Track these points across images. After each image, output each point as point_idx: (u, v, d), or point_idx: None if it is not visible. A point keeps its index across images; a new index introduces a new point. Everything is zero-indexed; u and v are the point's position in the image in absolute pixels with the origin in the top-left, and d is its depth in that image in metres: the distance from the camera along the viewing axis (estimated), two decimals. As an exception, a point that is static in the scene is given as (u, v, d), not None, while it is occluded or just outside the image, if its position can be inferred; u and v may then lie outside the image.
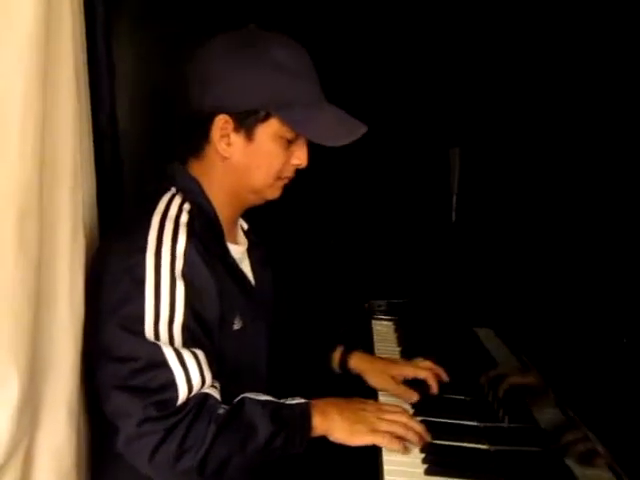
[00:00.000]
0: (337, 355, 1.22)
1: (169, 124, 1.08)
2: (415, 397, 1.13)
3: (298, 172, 1.05)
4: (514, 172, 1.47)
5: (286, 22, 1.17)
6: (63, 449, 0.79)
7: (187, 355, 0.86)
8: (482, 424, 1.08)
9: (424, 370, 1.19)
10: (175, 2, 1.52)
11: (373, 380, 1.18)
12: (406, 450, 0.96)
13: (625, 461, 0.68)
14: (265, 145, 0.98)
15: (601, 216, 1.04)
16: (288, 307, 1.30)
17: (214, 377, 0.90)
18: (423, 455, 0.97)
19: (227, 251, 1.03)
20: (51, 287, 0.75)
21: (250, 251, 1.12)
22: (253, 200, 1.06)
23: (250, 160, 0.99)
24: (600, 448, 0.71)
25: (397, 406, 1.05)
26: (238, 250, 1.08)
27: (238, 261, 1.06)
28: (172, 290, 0.88)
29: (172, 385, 0.84)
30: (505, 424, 1.02)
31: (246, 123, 0.97)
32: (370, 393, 1.17)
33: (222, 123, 0.96)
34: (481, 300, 1.36)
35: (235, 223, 1.11)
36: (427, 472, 0.93)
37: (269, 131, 0.97)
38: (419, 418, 1.07)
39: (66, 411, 0.79)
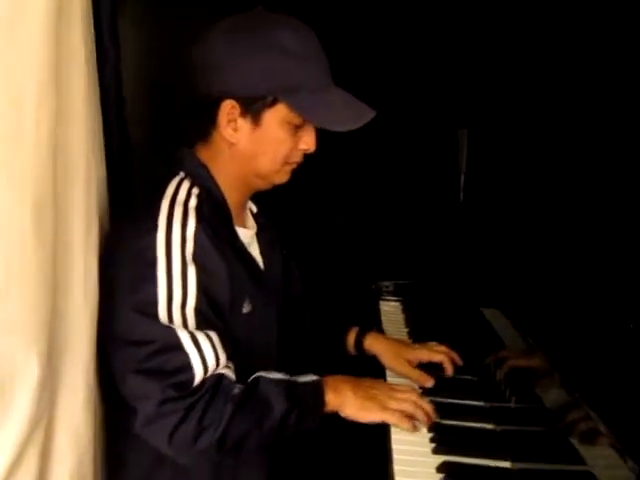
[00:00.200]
0: (352, 336, 1.23)
1: (176, 107, 1.09)
2: (430, 383, 1.13)
3: (308, 154, 1.04)
4: (522, 153, 1.47)
5: (294, 3, 1.16)
6: (80, 427, 0.81)
7: (201, 337, 0.88)
8: (488, 404, 1.10)
9: (439, 354, 1.19)
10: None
11: (388, 362, 1.19)
12: (415, 428, 0.98)
13: (627, 441, 0.70)
14: (272, 131, 0.98)
15: (611, 200, 1.04)
16: (300, 284, 1.31)
17: (228, 358, 0.91)
18: (431, 435, 0.99)
19: (236, 235, 1.03)
20: (67, 274, 0.76)
21: (259, 234, 1.13)
22: (261, 185, 1.06)
23: (257, 146, 0.99)
24: (603, 429, 0.73)
25: (407, 386, 1.07)
26: (247, 234, 1.08)
27: (247, 245, 1.06)
28: (184, 273, 0.89)
29: (188, 367, 0.86)
30: (511, 404, 1.04)
31: (253, 108, 0.96)
32: (379, 374, 1.19)
33: (229, 108, 0.96)
34: (488, 280, 1.37)
35: (244, 207, 1.12)
36: (434, 451, 0.96)
37: (276, 116, 0.97)
38: (427, 398, 1.09)
39: (83, 392, 0.81)
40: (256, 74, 0.95)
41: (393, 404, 0.98)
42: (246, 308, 1.01)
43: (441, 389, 1.14)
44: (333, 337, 1.25)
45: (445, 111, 1.72)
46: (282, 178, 1.04)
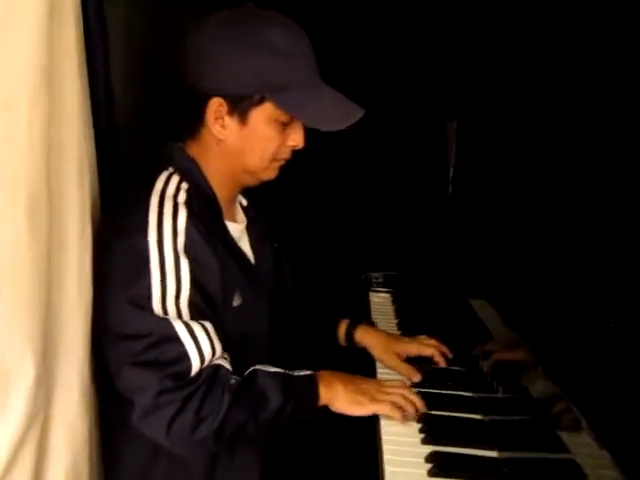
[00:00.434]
0: (343, 328, 1.25)
1: (165, 100, 1.09)
2: (417, 377, 1.14)
3: (296, 150, 1.04)
4: (511, 145, 1.48)
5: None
6: (76, 424, 0.83)
7: (196, 327, 0.89)
8: (476, 395, 1.12)
9: (429, 348, 1.21)
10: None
11: (378, 354, 1.21)
12: (405, 419, 1.00)
13: (604, 432, 0.72)
14: (260, 129, 0.98)
15: (597, 200, 1.05)
16: (291, 280, 1.32)
17: (224, 348, 0.93)
18: (420, 425, 1.01)
19: (226, 230, 1.04)
20: (62, 272, 0.77)
21: (249, 228, 1.13)
22: (249, 181, 1.06)
23: (245, 143, 0.99)
24: (583, 422, 0.76)
25: (397, 381, 1.09)
26: (237, 228, 1.09)
27: (237, 239, 1.07)
28: (177, 266, 0.90)
29: (185, 357, 0.87)
30: (499, 395, 1.06)
31: (240, 107, 0.96)
32: (368, 366, 1.21)
33: (216, 106, 0.96)
34: (477, 272, 1.39)
35: (233, 201, 1.12)
36: (423, 441, 0.97)
37: (264, 114, 0.97)
38: (415, 389, 1.11)
39: (78, 388, 0.82)
40: (244, 73, 0.95)
41: (382, 396, 1.00)
42: (236, 301, 1.01)
43: (430, 380, 1.16)
44: (324, 329, 1.27)
45: (434, 104, 1.72)
46: (270, 174, 1.05)
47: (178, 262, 0.90)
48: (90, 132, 0.84)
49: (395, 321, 1.46)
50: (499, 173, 1.49)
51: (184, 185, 0.98)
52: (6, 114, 0.64)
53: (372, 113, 1.07)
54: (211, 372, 0.89)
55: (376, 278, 1.63)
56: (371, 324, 1.31)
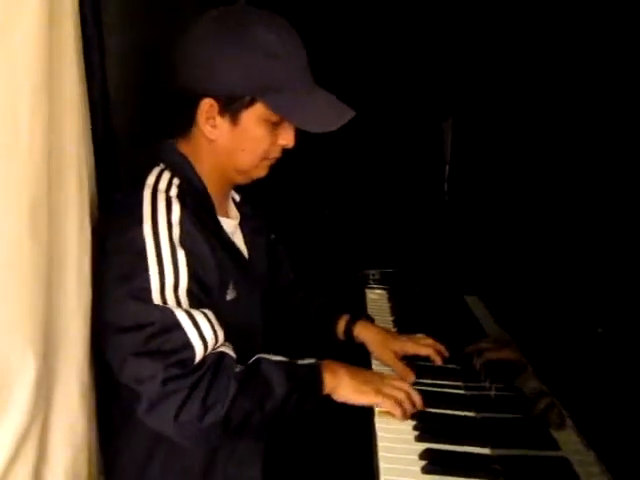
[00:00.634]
0: (343, 323, 1.25)
1: (160, 100, 1.09)
2: (411, 377, 1.15)
3: (297, 142, 1.04)
4: (506, 144, 1.49)
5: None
6: (76, 422, 0.84)
7: (198, 315, 0.90)
8: (469, 392, 1.14)
9: (426, 348, 1.22)
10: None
11: (374, 351, 1.22)
12: (405, 416, 1.02)
13: (592, 433, 0.74)
14: (250, 129, 0.99)
15: (590, 201, 1.06)
16: (291, 270, 1.33)
17: (226, 335, 0.93)
18: (414, 422, 1.02)
19: (219, 225, 1.05)
20: (61, 274, 0.78)
21: (242, 223, 1.14)
22: (240, 179, 1.08)
23: (236, 143, 1.00)
24: (569, 420, 0.77)
25: (399, 377, 1.11)
26: (230, 224, 1.10)
27: (230, 235, 1.08)
28: (174, 257, 0.91)
29: (188, 344, 0.88)
30: (491, 392, 1.08)
31: (231, 108, 0.97)
32: (365, 360, 1.22)
33: (207, 107, 0.97)
34: (471, 269, 1.40)
35: (225, 197, 1.13)
36: (417, 439, 0.99)
37: (255, 115, 0.98)
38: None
39: (78, 387, 0.84)
40: (234, 75, 0.95)
41: (387, 390, 1.01)
42: (230, 295, 1.02)
43: (424, 377, 1.17)
44: (324, 323, 1.28)
45: (430, 102, 1.73)
46: (260, 173, 1.06)
47: (175, 253, 0.91)
48: (88, 135, 0.85)
49: (391, 318, 1.47)
50: (495, 171, 1.50)
51: (175, 181, 0.99)
52: (8, 119, 0.64)
53: (368, 111, 1.08)
54: (216, 359, 0.90)
55: (372, 275, 1.64)
56: (370, 320, 1.32)
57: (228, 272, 1.01)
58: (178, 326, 0.88)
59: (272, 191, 1.44)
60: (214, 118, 0.98)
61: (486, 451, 0.97)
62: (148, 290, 0.89)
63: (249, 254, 1.12)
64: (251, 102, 0.97)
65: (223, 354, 0.91)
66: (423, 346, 1.22)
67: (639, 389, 0.74)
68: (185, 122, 1.01)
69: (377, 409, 1.03)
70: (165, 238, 0.91)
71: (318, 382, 0.97)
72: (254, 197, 1.22)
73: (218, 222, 1.05)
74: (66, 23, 0.74)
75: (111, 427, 0.97)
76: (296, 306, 1.31)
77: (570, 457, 0.80)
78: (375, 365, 1.21)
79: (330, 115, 1.00)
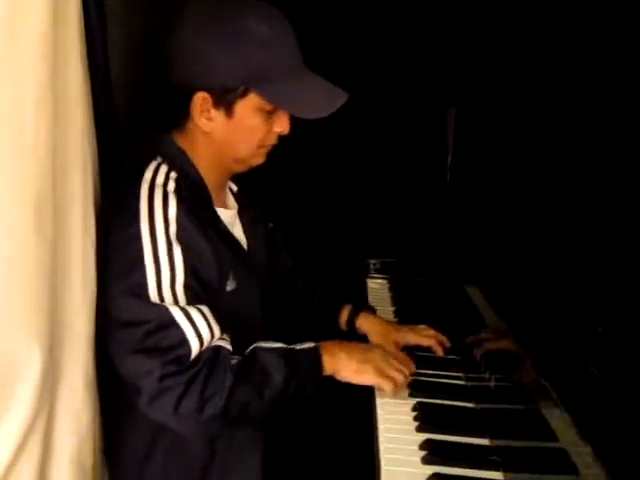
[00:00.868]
0: (345, 314, 1.26)
1: (156, 91, 1.09)
2: (413, 368, 1.15)
3: (299, 130, 1.05)
4: (509, 134, 1.49)
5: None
6: (81, 414, 0.85)
7: (193, 312, 0.91)
8: (470, 383, 1.15)
9: (427, 338, 1.23)
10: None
11: (376, 342, 1.22)
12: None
13: (585, 426, 0.75)
14: (246, 119, 0.99)
15: (592, 195, 1.06)
16: (290, 258, 1.34)
17: (222, 330, 0.94)
18: (415, 413, 1.04)
19: (217, 216, 1.05)
20: (66, 268, 0.79)
21: (241, 213, 1.15)
22: (237, 168, 1.08)
23: (232, 134, 1.01)
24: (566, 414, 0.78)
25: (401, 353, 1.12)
26: (228, 214, 1.10)
27: (229, 225, 1.08)
28: (170, 253, 0.92)
29: (184, 341, 0.89)
30: (491, 383, 1.09)
31: (225, 100, 0.97)
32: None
33: (201, 101, 0.97)
34: (473, 259, 1.40)
35: (223, 188, 1.13)
36: (418, 429, 1.00)
37: (249, 105, 0.98)
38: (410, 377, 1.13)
39: (82, 380, 0.85)
40: (226, 67, 0.95)
41: (388, 370, 1.02)
42: (230, 286, 1.03)
43: (425, 368, 1.18)
44: (327, 312, 1.28)
45: (433, 90, 1.72)
46: (258, 160, 1.07)
47: (171, 249, 0.92)
48: (92, 130, 0.85)
49: (392, 308, 1.49)
50: (497, 161, 1.50)
51: (173, 174, 0.99)
52: (13, 115, 0.65)
53: (371, 99, 1.07)
54: (212, 354, 0.91)
55: (373, 264, 1.65)
56: (372, 311, 1.33)
57: (227, 263, 1.02)
58: (174, 323, 0.89)
59: (274, 180, 1.44)
60: (209, 111, 0.98)
61: (486, 442, 0.99)
62: (145, 287, 0.90)
63: (248, 244, 1.13)
64: (244, 92, 0.97)
65: (219, 348, 0.93)
66: (425, 337, 1.23)
67: (634, 383, 0.75)
68: (180, 116, 1.01)
69: None
70: (162, 235, 0.92)
71: (317, 365, 0.98)
72: (254, 185, 1.22)
73: (216, 213, 1.05)
74: (71, 17, 0.74)
75: (114, 419, 0.98)
76: (297, 295, 1.32)
77: (568, 448, 0.81)
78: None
79: (323, 101, 1.00)
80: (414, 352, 1.21)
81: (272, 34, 0.96)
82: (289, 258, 1.35)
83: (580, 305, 0.91)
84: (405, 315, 1.42)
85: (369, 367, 1.01)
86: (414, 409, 1.05)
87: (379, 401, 1.06)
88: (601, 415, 0.77)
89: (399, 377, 1.03)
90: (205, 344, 0.91)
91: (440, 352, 1.23)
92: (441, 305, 1.44)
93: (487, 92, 1.61)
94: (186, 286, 0.92)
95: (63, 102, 0.73)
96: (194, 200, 0.99)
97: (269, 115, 1.00)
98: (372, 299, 1.53)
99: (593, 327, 0.83)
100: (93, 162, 0.87)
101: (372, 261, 1.64)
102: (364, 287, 1.58)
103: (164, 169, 0.99)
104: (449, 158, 1.71)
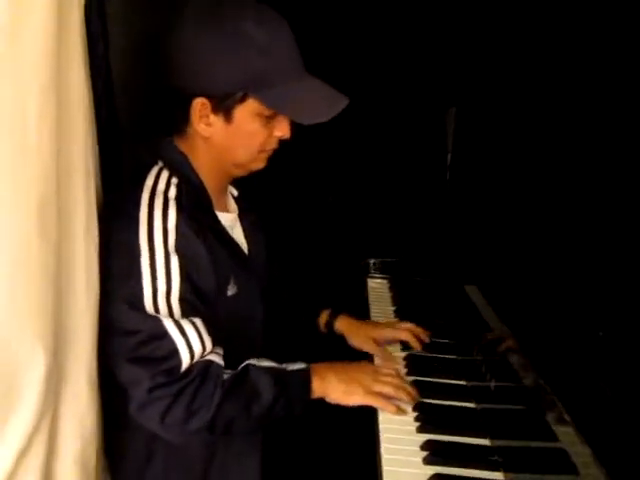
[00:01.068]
0: (324, 317, 1.29)
1: (156, 95, 1.09)
2: (395, 363, 1.18)
3: (299, 131, 1.04)
4: (509, 133, 1.49)
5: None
6: (84, 415, 0.85)
7: (186, 325, 0.92)
8: (469, 383, 1.16)
9: (404, 332, 1.25)
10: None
11: (355, 341, 1.25)
12: (399, 411, 1.03)
13: (587, 429, 0.76)
14: (245, 124, 0.99)
15: (592, 195, 1.06)
16: (281, 267, 1.34)
17: (215, 343, 0.95)
18: (415, 414, 1.04)
19: (217, 221, 1.06)
20: (70, 271, 0.79)
21: (241, 217, 1.15)
22: (238, 173, 1.08)
23: (231, 139, 1.00)
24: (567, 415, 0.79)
25: (391, 368, 1.12)
26: (229, 218, 1.11)
27: (229, 229, 1.09)
28: (167, 264, 0.92)
29: (175, 354, 0.90)
30: (491, 384, 1.09)
31: (224, 105, 0.97)
32: (352, 353, 1.24)
33: (199, 106, 0.97)
34: (472, 259, 1.41)
35: (223, 192, 1.14)
36: (419, 430, 1.01)
37: (248, 110, 0.98)
38: (411, 378, 1.14)
39: (86, 382, 0.85)
40: (225, 72, 0.95)
41: (377, 387, 1.03)
42: (231, 290, 1.04)
43: (425, 369, 1.19)
44: (307, 317, 1.31)
45: (433, 90, 1.73)
46: (259, 165, 1.07)
47: (168, 260, 0.92)
48: (94, 133, 0.85)
49: (392, 307, 1.49)
50: (497, 161, 1.50)
51: (174, 180, 0.99)
52: (16, 119, 0.65)
53: (371, 100, 1.08)
54: (202, 367, 0.92)
55: (374, 264, 1.66)
56: (365, 310, 1.34)
57: (227, 268, 1.03)
58: (166, 335, 0.90)
59: (274, 180, 1.44)
60: (208, 116, 0.98)
61: (487, 442, 0.99)
62: (140, 297, 0.91)
63: (249, 248, 1.13)
64: (243, 98, 0.97)
65: (210, 362, 0.93)
66: (402, 331, 1.25)
67: (634, 385, 0.75)
68: (180, 121, 1.01)
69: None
70: (160, 245, 0.92)
71: (306, 388, 0.99)
72: (255, 186, 1.22)
73: (216, 218, 1.06)
74: (74, 21, 0.74)
75: (115, 422, 0.99)
76: (283, 302, 1.34)
77: (568, 449, 0.82)
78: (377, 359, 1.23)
79: (323, 105, 1.00)
80: (415, 355, 1.22)
81: (271, 38, 0.95)
82: (278, 266, 1.35)
83: (581, 308, 0.91)
84: (405, 315, 1.43)
85: (357, 387, 1.01)
86: (415, 410, 1.05)
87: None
88: (601, 416, 0.77)
89: (389, 390, 1.04)
90: (196, 357, 0.92)
91: (418, 347, 1.24)
92: (441, 305, 1.45)
93: (487, 92, 1.61)
94: (181, 298, 0.93)
95: (66, 105, 0.73)
96: (195, 205, 0.99)
97: (269, 120, 1.00)
98: (372, 299, 1.53)
99: (594, 330, 0.83)
100: (95, 165, 0.87)
101: (372, 261, 1.65)
102: (364, 287, 1.59)
103: (165, 175, 0.99)
104: (449, 158, 1.71)
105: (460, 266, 1.45)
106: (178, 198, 0.97)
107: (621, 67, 1.09)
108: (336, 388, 1.00)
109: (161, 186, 0.97)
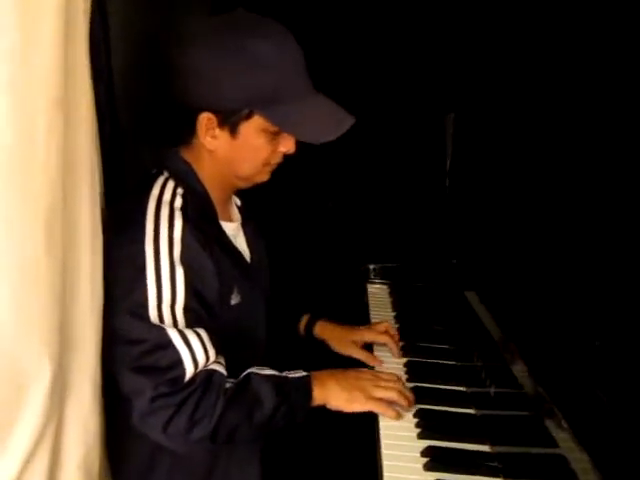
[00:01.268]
0: (303, 322, 1.30)
1: (160, 107, 1.10)
2: (377, 362, 1.21)
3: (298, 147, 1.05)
4: (508, 139, 1.50)
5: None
6: (88, 422, 0.86)
7: (190, 335, 0.92)
8: (469, 389, 1.17)
9: (383, 335, 1.27)
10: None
11: (335, 346, 1.27)
12: (399, 416, 1.04)
13: (581, 434, 0.77)
14: (250, 140, 1.00)
15: (591, 200, 1.07)
16: (275, 274, 1.36)
17: (218, 353, 0.96)
18: (416, 420, 1.05)
19: (222, 230, 1.07)
20: (75, 283, 0.80)
21: (244, 225, 1.16)
22: (241, 185, 1.10)
23: (236, 153, 1.01)
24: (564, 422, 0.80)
25: (391, 374, 1.13)
26: (232, 227, 1.12)
27: (232, 238, 1.10)
28: (172, 275, 0.93)
29: (179, 364, 0.91)
30: (491, 390, 1.10)
31: (230, 121, 0.98)
32: (334, 359, 1.26)
33: (205, 121, 0.98)
34: (472, 265, 1.41)
35: (227, 202, 1.15)
36: (419, 436, 1.02)
37: (253, 126, 0.99)
38: (412, 384, 1.15)
39: (90, 389, 0.86)
40: (232, 89, 0.96)
41: (378, 393, 1.04)
42: (235, 299, 1.05)
43: (425, 375, 1.20)
44: (287, 322, 1.32)
45: (432, 96, 1.74)
46: (263, 178, 1.08)
47: (174, 271, 0.93)
48: (98, 145, 0.86)
49: (392, 312, 1.50)
50: (496, 167, 1.51)
51: (179, 190, 1.00)
52: (25, 135, 0.65)
53: (370, 106, 1.08)
54: (205, 377, 0.93)
55: (374, 269, 1.66)
56: (365, 315, 1.35)
57: (231, 277, 1.04)
58: (170, 345, 0.91)
59: (274, 186, 1.45)
60: (214, 129, 0.99)
61: (487, 448, 1.00)
62: (145, 307, 0.91)
63: (251, 256, 1.15)
64: (249, 115, 0.98)
65: (213, 372, 0.94)
66: (380, 334, 1.27)
67: (632, 392, 0.76)
68: (185, 133, 1.02)
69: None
70: (165, 255, 0.93)
71: (307, 396, 0.99)
72: (254, 193, 1.23)
73: (221, 228, 1.07)
74: (79, 32, 0.75)
75: (118, 429, 0.99)
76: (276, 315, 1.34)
77: (567, 455, 0.83)
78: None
79: (329, 124, 1.01)
80: (415, 361, 1.22)
81: (277, 54, 0.96)
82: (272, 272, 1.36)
83: (578, 318, 0.92)
84: (406, 320, 1.44)
85: (358, 394, 1.02)
86: (415, 416, 1.06)
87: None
88: (598, 423, 0.78)
89: (391, 395, 1.04)
90: (200, 367, 0.93)
91: (395, 350, 1.25)
92: (441, 310, 1.46)
93: (486, 98, 1.62)
94: (186, 308, 0.94)
95: (73, 118, 0.74)
96: (200, 215, 1.00)
97: (274, 136, 1.01)
98: (372, 304, 1.54)
99: (591, 340, 0.84)
100: (100, 176, 0.88)
101: (372, 266, 1.65)
102: (364, 292, 1.59)
103: (171, 185, 1.00)
104: (448, 163, 1.72)
105: (460, 272, 1.46)
106: (184, 208, 0.98)
107: (619, 73, 1.10)
108: (337, 395, 1.01)
109: (167, 196, 0.98)
